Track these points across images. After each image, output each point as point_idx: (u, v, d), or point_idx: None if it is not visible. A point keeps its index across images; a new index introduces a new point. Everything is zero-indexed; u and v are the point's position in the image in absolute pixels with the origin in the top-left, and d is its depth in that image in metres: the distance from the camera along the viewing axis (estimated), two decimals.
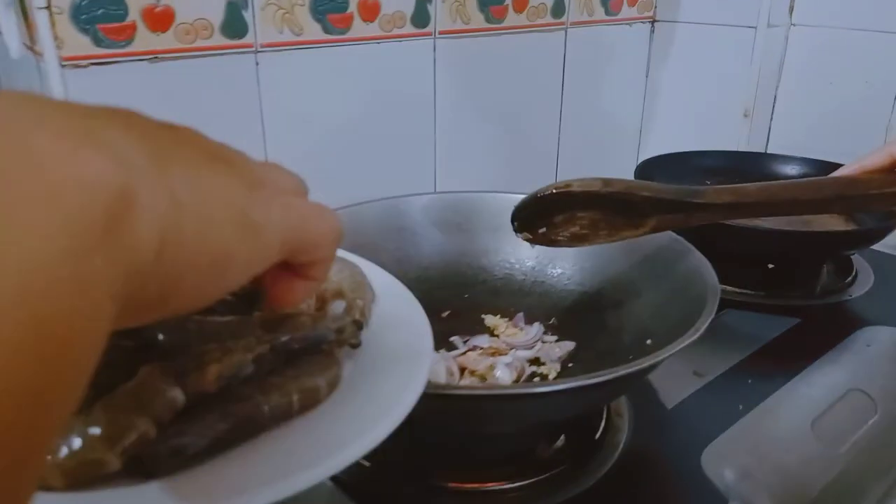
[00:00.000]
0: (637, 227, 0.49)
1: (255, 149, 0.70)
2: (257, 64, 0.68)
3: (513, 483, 0.47)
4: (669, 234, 0.58)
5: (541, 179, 0.99)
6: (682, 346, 0.41)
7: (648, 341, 0.52)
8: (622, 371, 0.37)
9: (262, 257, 0.22)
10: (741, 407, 0.56)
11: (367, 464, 0.49)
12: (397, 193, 0.67)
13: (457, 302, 0.64)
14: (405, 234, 0.65)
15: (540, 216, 0.49)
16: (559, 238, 0.49)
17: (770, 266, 0.79)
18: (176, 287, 0.19)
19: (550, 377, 0.54)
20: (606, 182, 0.47)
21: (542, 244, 0.50)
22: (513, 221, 0.49)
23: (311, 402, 0.26)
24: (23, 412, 0.13)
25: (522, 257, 0.66)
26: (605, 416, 0.54)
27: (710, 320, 0.42)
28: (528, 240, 0.50)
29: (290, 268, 0.24)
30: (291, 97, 0.71)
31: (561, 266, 0.64)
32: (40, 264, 0.14)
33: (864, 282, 0.79)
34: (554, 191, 0.48)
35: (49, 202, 0.14)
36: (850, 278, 0.78)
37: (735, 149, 0.96)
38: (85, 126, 0.16)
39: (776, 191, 0.51)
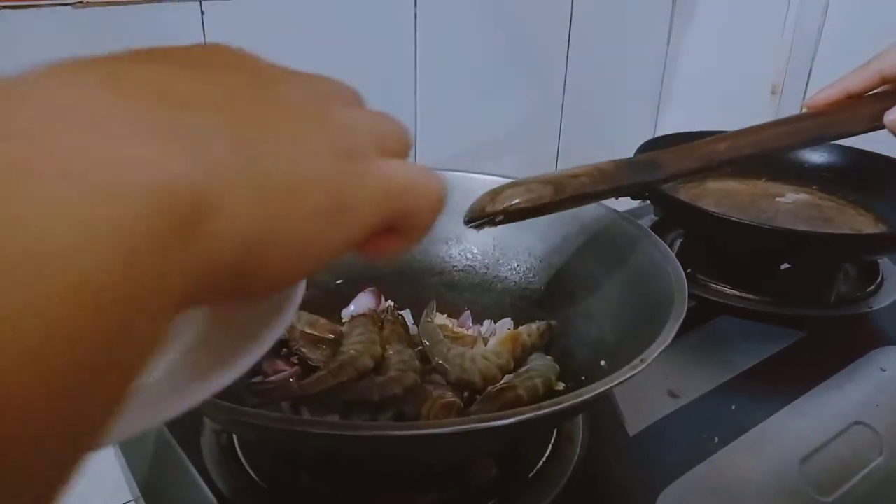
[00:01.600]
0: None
1: None
2: (203, 13, 0.61)
3: None
4: (646, 232, 0.49)
5: (539, 154, 0.91)
6: (615, 384, 0.33)
7: (602, 363, 0.44)
8: (524, 416, 0.30)
9: (353, 238, 0.19)
10: (717, 440, 0.48)
11: (263, 485, 0.43)
12: None
13: (407, 295, 0.57)
14: None
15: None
16: (509, 219, 0.44)
17: (784, 266, 0.70)
18: (252, 278, 0.17)
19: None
20: (558, 188, 0.41)
21: (490, 227, 0.45)
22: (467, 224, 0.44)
23: None
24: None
25: (486, 248, 0.59)
26: (552, 440, 0.47)
27: (655, 355, 0.34)
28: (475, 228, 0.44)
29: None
30: None
31: (526, 262, 0.56)
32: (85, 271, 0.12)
33: (890, 291, 0.68)
34: (502, 216, 0.42)
35: (102, 204, 0.12)
36: (873, 286, 0.68)
37: None
38: (150, 106, 0.14)
39: (745, 146, 0.48)
